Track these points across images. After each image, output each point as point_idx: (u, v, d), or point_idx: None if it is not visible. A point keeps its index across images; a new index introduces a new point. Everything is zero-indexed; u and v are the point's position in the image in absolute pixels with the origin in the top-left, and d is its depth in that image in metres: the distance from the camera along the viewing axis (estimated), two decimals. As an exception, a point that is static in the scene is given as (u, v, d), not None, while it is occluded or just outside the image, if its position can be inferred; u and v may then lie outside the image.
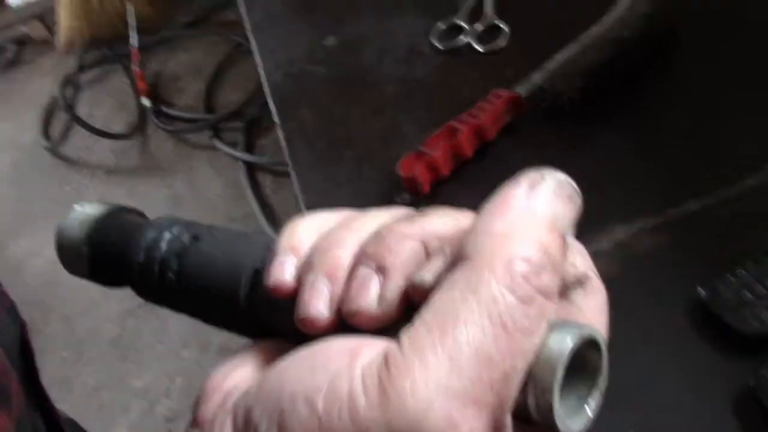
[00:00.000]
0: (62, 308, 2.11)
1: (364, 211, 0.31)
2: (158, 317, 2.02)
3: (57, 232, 0.36)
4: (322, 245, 0.29)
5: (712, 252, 0.60)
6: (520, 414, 0.23)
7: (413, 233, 0.28)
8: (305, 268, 0.29)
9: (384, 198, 0.72)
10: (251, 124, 2.41)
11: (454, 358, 0.22)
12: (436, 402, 0.21)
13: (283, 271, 0.29)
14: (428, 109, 0.79)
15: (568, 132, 0.71)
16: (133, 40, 2.64)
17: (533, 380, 0.23)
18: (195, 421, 0.27)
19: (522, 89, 0.75)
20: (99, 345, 2.05)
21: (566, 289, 0.27)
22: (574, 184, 0.26)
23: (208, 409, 0.27)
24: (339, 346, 0.25)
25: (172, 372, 1.95)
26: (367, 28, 0.89)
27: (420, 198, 0.71)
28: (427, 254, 0.27)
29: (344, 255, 0.28)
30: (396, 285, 0.27)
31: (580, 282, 0.28)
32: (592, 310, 0.28)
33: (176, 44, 2.82)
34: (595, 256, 0.29)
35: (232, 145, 2.38)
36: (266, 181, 2.30)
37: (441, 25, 0.87)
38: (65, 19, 2.71)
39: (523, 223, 0.24)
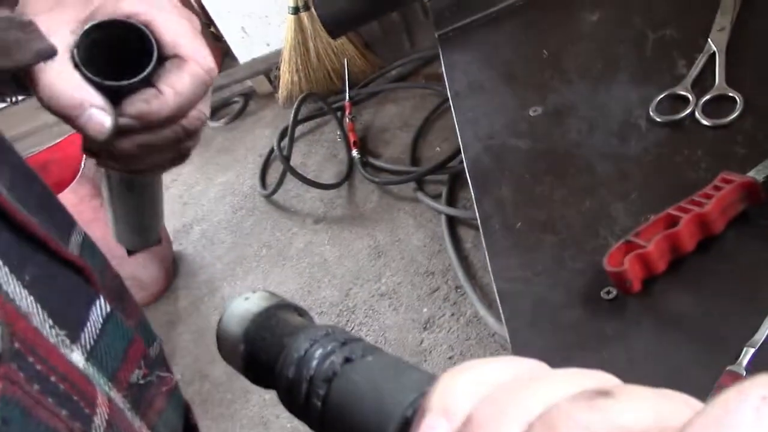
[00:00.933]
0: (266, 350, 2.19)
1: (537, 370, 0.25)
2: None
3: (219, 324, 0.37)
4: (480, 417, 0.24)
5: None
6: None
7: (595, 425, 0.21)
8: None
9: (587, 293, 0.64)
10: (455, 177, 2.40)
11: None
12: None
13: None
14: (642, 192, 0.70)
15: (817, 229, 0.60)
16: (347, 93, 2.75)
17: None
18: None
19: (758, 174, 0.64)
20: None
21: None
22: None
23: None
24: None
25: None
26: (577, 98, 0.83)
27: (629, 296, 0.62)
28: None
29: None
30: None
31: None
32: None
33: (386, 97, 2.89)
34: None
35: (435, 197, 2.38)
36: (467, 235, 2.26)
37: (661, 95, 0.78)
38: (286, 73, 2.88)
39: None
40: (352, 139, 2.64)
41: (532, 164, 0.78)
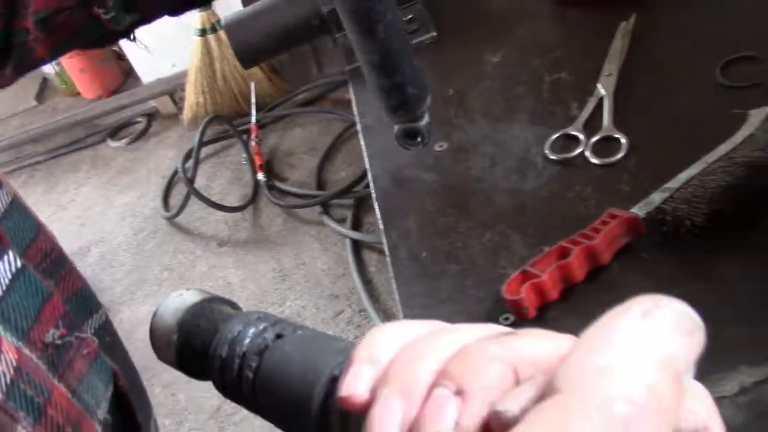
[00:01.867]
0: (167, 376, 2.16)
1: (453, 325, 0.28)
2: (257, 392, 2.03)
3: (153, 317, 0.37)
4: (402, 358, 0.27)
5: None
6: None
7: (503, 355, 0.24)
8: (381, 382, 0.26)
9: (487, 319, 0.69)
10: (360, 201, 2.44)
11: None
12: None
13: (357, 383, 0.27)
14: (538, 225, 0.75)
15: (690, 261, 0.66)
16: (253, 116, 2.76)
17: None
18: None
19: (640, 210, 0.70)
20: (199, 415, 2.08)
21: None
22: (696, 316, 0.22)
23: None
24: None
25: (267, 449, 1.94)
26: (480, 135, 0.88)
27: (525, 322, 0.67)
28: (517, 381, 0.24)
29: (424, 371, 0.25)
30: (476, 412, 0.23)
31: None
32: None
33: (292, 121, 2.91)
34: (717, 403, 0.25)
35: (341, 221, 2.41)
36: (371, 259, 2.30)
37: (555, 135, 0.84)
38: (191, 95, 2.86)
39: (628, 358, 0.21)
40: (257, 162, 2.64)
41: (437, 197, 0.83)
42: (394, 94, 0.73)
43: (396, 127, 0.78)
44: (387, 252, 0.78)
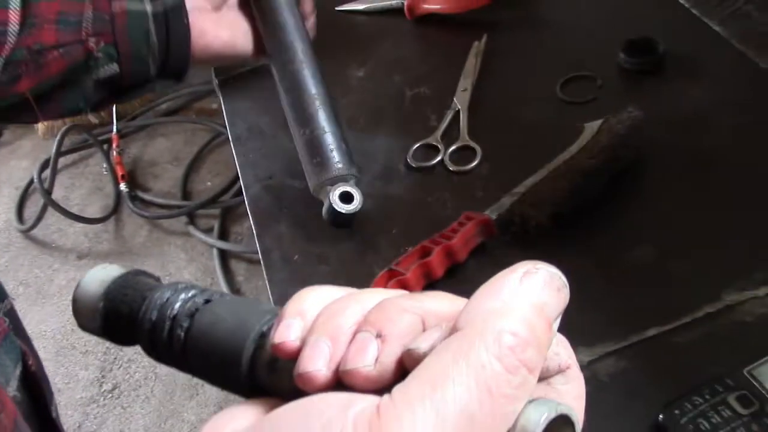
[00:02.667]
0: (24, 395, 2.07)
1: (368, 289, 0.34)
2: (122, 406, 1.99)
3: (76, 289, 0.38)
4: (328, 311, 0.31)
5: (672, 378, 0.62)
6: None
7: (413, 308, 0.30)
8: (310, 332, 0.30)
9: (357, 315, 0.74)
10: (227, 211, 2.44)
11: (441, 412, 0.24)
12: None
13: (289, 332, 0.31)
14: (402, 227, 0.82)
15: (536, 258, 0.74)
16: (114, 125, 2.69)
17: None
18: None
19: (492, 212, 0.78)
20: (60, 434, 2.00)
21: (548, 374, 0.30)
22: (563, 278, 0.29)
23: None
24: (334, 397, 0.27)
25: (133, 464, 1.91)
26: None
27: (392, 317, 0.73)
28: (425, 328, 0.30)
29: (348, 321, 0.30)
30: (393, 351, 0.28)
31: (561, 369, 0.31)
32: (571, 396, 0.30)
33: (156, 131, 2.86)
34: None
35: (207, 231, 2.40)
36: (239, 268, 2.31)
37: (417, 145, 0.91)
38: (47, 103, 2.75)
39: (514, 303, 0.27)
40: (119, 172, 2.58)
41: (307, 203, 0.87)
42: (344, 143, 0.78)
43: (331, 194, 0.77)
44: (260, 256, 0.82)
